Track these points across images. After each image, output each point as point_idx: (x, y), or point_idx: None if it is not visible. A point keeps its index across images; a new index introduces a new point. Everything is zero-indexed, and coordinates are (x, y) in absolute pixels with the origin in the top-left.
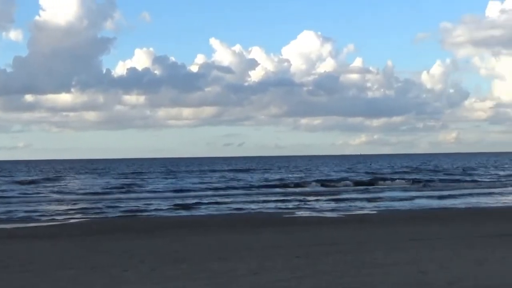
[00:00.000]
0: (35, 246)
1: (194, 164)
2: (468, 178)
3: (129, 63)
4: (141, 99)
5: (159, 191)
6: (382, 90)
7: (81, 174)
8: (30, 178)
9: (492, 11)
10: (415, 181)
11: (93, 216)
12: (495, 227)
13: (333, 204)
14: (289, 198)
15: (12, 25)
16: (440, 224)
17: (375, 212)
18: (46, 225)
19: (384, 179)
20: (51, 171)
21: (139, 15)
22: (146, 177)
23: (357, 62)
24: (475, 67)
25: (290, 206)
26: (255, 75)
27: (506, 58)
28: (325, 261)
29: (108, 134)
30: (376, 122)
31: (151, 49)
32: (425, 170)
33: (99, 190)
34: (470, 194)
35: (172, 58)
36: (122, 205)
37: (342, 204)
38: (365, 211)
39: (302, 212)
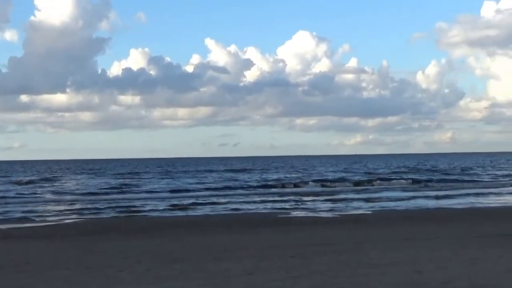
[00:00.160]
0: (30, 246)
1: (190, 164)
2: (467, 178)
3: (125, 64)
4: (137, 99)
5: (155, 191)
6: (377, 90)
7: (77, 174)
8: (27, 178)
9: (488, 11)
10: (414, 181)
11: (88, 216)
12: (492, 227)
13: (331, 204)
14: (286, 198)
15: (7, 25)
16: (437, 224)
17: (373, 212)
18: (41, 226)
19: (384, 179)
20: (47, 172)
21: (135, 15)
22: (142, 177)
23: (352, 62)
24: (471, 67)
25: (287, 206)
26: (250, 75)
27: (501, 58)
28: (321, 261)
29: (103, 134)
30: (371, 122)
31: (146, 49)
32: (424, 170)
33: (95, 191)
34: (471, 194)
35: (168, 58)
36: (118, 206)
37: (339, 204)
38: (365, 211)
39: (303, 212)
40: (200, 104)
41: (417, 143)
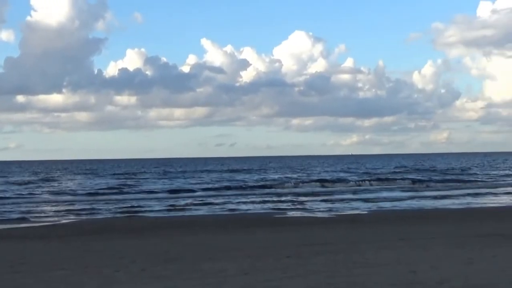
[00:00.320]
0: (27, 246)
1: (186, 164)
2: (467, 178)
3: (121, 64)
4: (133, 99)
5: (152, 192)
6: (373, 90)
7: (74, 175)
8: (25, 178)
9: (483, 11)
10: (414, 181)
11: (85, 216)
12: (487, 227)
13: (328, 205)
14: (283, 198)
15: (3, 25)
16: (433, 224)
17: (370, 212)
18: (38, 226)
19: (383, 180)
20: (44, 172)
21: (131, 15)
22: (138, 177)
23: (349, 62)
24: (467, 67)
25: (284, 207)
26: (246, 76)
27: (497, 58)
28: (316, 261)
29: (100, 134)
30: (367, 122)
31: (142, 49)
32: (422, 170)
33: (92, 191)
34: (471, 194)
35: (164, 59)
36: (114, 206)
37: (337, 205)
38: (362, 211)
39: (299, 212)
40: (197, 104)
41: (413, 143)
